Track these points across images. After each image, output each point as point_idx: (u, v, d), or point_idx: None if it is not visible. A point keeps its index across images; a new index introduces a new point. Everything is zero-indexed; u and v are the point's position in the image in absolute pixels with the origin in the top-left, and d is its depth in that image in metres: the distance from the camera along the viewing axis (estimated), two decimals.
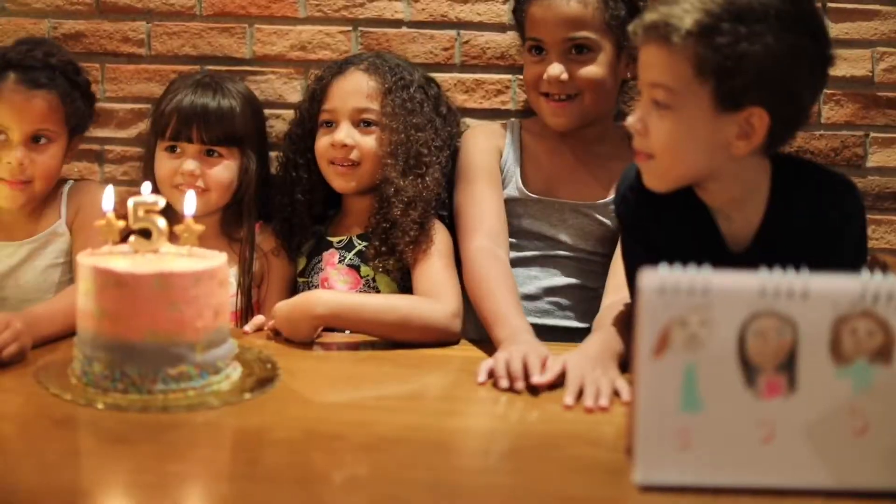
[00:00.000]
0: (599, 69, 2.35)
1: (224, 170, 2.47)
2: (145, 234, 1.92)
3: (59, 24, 2.76)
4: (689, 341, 1.49)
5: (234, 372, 1.92)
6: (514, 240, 2.42)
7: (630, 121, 1.83)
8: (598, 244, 2.39)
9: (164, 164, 2.47)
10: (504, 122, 2.55)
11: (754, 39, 1.70)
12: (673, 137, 1.78)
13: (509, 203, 2.43)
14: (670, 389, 1.50)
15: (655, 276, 1.49)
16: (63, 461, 1.59)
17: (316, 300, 2.20)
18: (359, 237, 2.48)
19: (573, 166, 2.44)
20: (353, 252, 2.47)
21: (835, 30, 2.58)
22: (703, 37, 1.71)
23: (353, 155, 2.42)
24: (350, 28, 2.71)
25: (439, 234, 2.39)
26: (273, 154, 2.63)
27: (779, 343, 1.49)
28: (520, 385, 1.88)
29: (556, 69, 2.35)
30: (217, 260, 1.90)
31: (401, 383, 2.00)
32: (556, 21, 2.34)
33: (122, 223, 1.92)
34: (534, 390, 1.88)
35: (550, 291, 2.40)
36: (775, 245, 1.84)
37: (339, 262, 2.48)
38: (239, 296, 2.49)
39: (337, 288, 2.45)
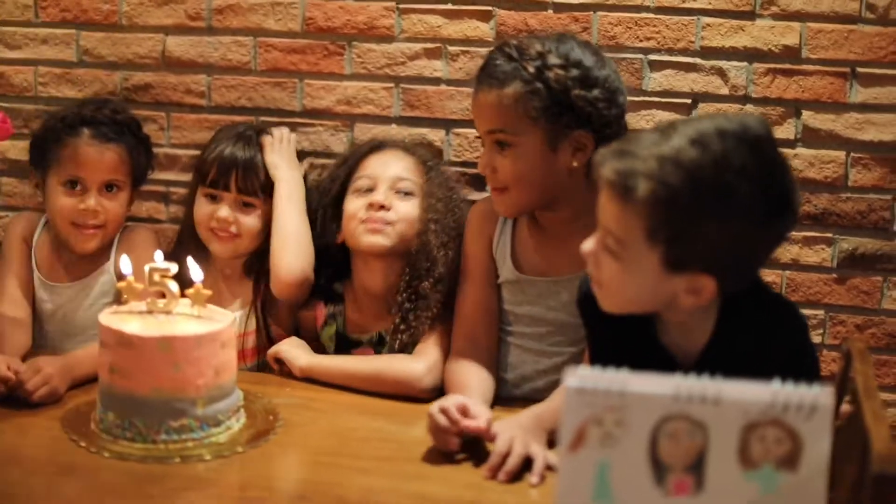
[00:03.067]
0: (518, 163, 2.25)
1: (255, 219, 2.62)
2: (160, 296, 2.12)
3: (129, 76, 2.96)
4: (603, 439, 1.59)
5: (237, 423, 2.11)
6: (514, 327, 2.42)
7: (585, 249, 1.81)
8: None
9: (202, 208, 2.63)
10: None
11: (712, 219, 1.69)
12: (621, 282, 1.78)
13: (506, 287, 2.42)
14: (584, 482, 1.59)
15: (577, 376, 1.59)
16: None
17: (297, 357, 2.46)
18: (389, 332, 2.54)
19: (559, 242, 2.36)
20: (386, 347, 2.55)
21: (863, 94, 2.63)
22: (660, 206, 1.68)
23: (389, 216, 2.48)
24: (392, 84, 2.84)
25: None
26: None
27: (689, 445, 1.56)
28: (442, 420, 2.00)
29: (481, 161, 2.34)
30: (221, 322, 2.08)
31: (384, 441, 2.13)
32: (478, 114, 2.33)
33: (140, 285, 2.12)
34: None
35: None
36: (719, 365, 1.79)
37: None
38: (256, 334, 2.65)
39: None
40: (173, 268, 2.10)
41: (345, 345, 2.60)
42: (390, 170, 2.55)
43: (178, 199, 2.98)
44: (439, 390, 2.34)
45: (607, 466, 1.59)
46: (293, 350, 2.50)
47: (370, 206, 2.50)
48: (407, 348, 2.48)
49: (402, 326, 2.49)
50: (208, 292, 2.11)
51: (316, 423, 2.21)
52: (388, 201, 2.50)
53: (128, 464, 1.96)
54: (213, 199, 2.63)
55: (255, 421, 2.15)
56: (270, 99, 2.89)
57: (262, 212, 2.63)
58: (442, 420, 2.01)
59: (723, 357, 1.85)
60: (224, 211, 2.61)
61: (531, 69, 2.22)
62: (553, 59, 2.23)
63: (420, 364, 2.38)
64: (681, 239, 1.70)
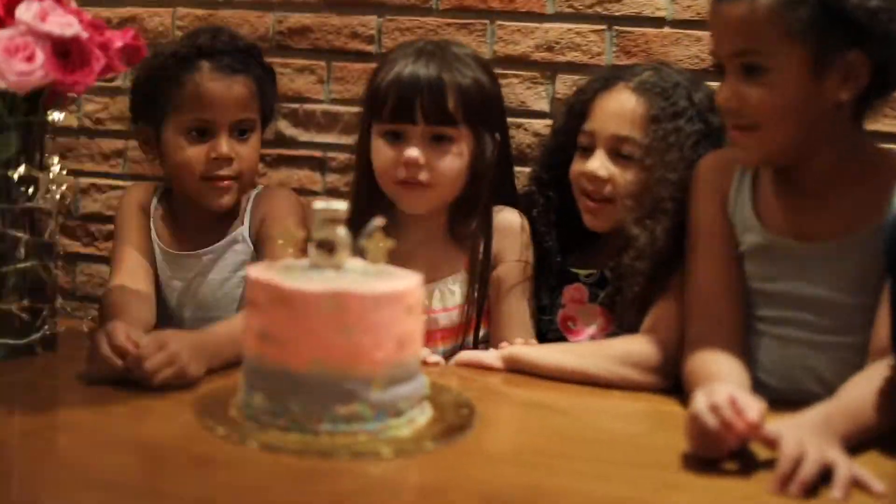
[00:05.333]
0: (773, 93, 1.86)
1: (452, 158, 2.18)
2: (328, 247, 1.67)
3: (284, 17, 2.72)
4: None
5: (422, 416, 1.67)
6: (766, 311, 1.99)
7: None
8: (861, 290, 1.90)
9: (382, 154, 2.20)
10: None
11: None
12: None
13: (751, 258, 2.01)
14: None
15: None
16: None
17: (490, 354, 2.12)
18: (612, 270, 2.20)
19: (817, 200, 1.95)
20: (606, 291, 2.21)
21: None
22: None
23: (607, 190, 2.16)
24: (604, 27, 2.51)
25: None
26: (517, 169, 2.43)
27: None
28: (713, 422, 1.55)
29: (721, 92, 1.93)
30: (407, 282, 1.65)
31: (603, 443, 1.73)
32: (721, 32, 1.94)
33: (302, 233, 1.72)
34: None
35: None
36: None
37: (590, 300, 2.24)
38: (465, 308, 2.25)
39: (584, 332, 2.23)
40: (344, 207, 1.67)
41: (558, 278, 2.31)
42: (610, 125, 2.17)
43: (337, 168, 2.70)
44: (673, 378, 1.97)
45: None
46: (479, 352, 2.14)
47: (584, 174, 2.19)
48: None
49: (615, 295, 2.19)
50: (391, 242, 1.68)
51: (519, 421, 1.88)
52: (603, 169, 2.17)
53: (280, 458, 1.52)
54: (396, 137, 2.18)
55: (444, 414, 1.72)
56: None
57: (462, 148, 2.19)
58: (712, 422, 1.55)
59: None
60: (413, 150, 2.15)
61: None
62: None
63: (649, 341, 2.02)
64: None
